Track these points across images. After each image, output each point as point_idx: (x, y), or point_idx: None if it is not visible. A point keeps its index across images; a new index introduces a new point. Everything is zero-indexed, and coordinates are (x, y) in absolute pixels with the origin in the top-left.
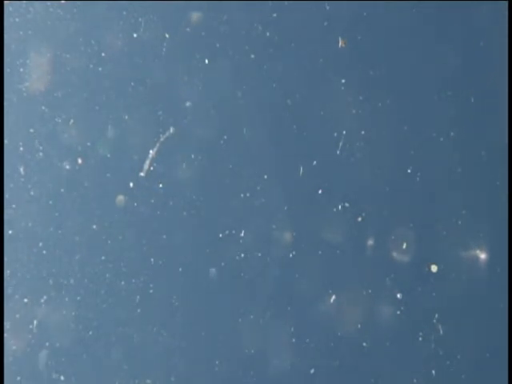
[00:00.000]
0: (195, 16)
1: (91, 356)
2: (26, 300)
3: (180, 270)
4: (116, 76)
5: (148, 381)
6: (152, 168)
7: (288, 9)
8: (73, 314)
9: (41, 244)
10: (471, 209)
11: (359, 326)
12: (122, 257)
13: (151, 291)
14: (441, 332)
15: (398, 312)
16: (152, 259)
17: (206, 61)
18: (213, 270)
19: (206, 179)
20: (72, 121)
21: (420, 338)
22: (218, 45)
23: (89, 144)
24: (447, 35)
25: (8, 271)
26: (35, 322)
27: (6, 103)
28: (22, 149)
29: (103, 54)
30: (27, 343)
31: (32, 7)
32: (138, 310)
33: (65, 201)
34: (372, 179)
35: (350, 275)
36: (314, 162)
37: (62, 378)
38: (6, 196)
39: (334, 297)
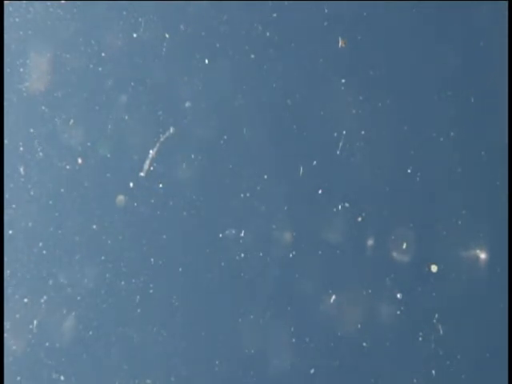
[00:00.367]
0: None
1: (91, 356)
2: (25, 300)
3: (180, 270)
4: (116, 76)
5: (148, 381)
6: (152, 168)
7: (288, 9)
8: (73, 314)
9: (41, 244)
10: (471, 209)
11: (359, 326)
12: (121, 257)
13: (151, 291)
14: (441, 332)
15: (398, 312)
16: (152, 259)
17: (206, 61)
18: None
19: (206, 179)
20: (72, 121)
21: (420, 338)
22: (217, 45)
23: (89, 144)
24: (447, 35)
25: (8, 271)
26: (35, 322)
27: (6, 103)
28: (21, 149)
29: (103, 54)
30: (27, 343)
31: (32, 7)
32: (138, 310)
33: (65, 201)
34: (372, 179)
35: (350, 275)
36: (314, 162)
37: (62, 378)
38: (6, 196)
39: (334, 297)
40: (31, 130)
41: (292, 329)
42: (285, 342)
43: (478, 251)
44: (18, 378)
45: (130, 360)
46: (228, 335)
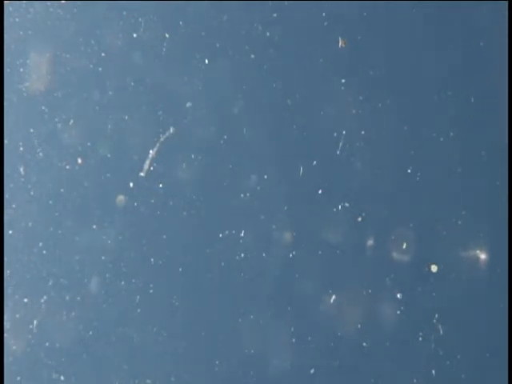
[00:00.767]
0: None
1: (91, 356)
2: (25, 300)
3: (180, 270)
4: (116, 76)
5: (148, 381)
6: (152, 168)
7: (288, 9)
8: (73, 314)
9: (41, 244)
10: (471, 209)
11: (359, 326)
12: (121, 257)
13: (151, 291)
14: (441, 332)
15: (398, 312)
16: (152, 259)
17: (206, 61)
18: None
19: (206, 179)
20: (72, 121)
21: (420, 338)
22: (217, 45)
23: (89, 144)
24: (447, 35)
25: (8, 271)
26: (35, 322)
27: (6, 103)
28: (21, 149)
29: (103, 54)
30: (27, 343)
31: (32, 7)
32: (138, 310)
33: (65, 201)
34: (372, 179)
35: (350, 275)
36: (314, 162)
37: (62, 378)
38: (6, 196)
39: (334, 297)
40: (31, 130)
41: (292, 329)
42: (285, 342)
43: (478, 251)
44: (18, 378)
45: (130, 360)
46: (228, 335)
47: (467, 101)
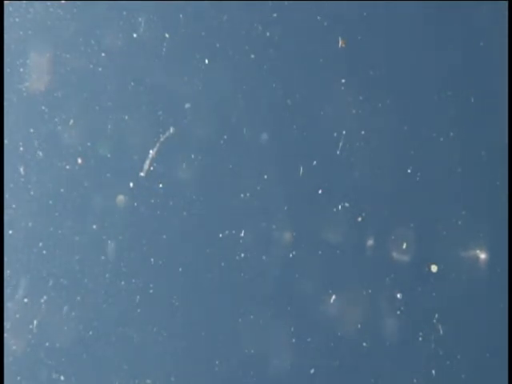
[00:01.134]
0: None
1: (91, 356)
2: (25, 300)
3: (180, 270)
4: (116, 76)
5: (148, 381)
6: (152, 168)
7: (288, 9)
8: (73, 314)
9: (41, 244)
10: (471, 209)
11: (359, 326)
12: (121, 257)
13: (151, 291)
14: (441, 332)
15: (398, 312)
16: (152, 259)
17: (206, 61)
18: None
19: (206, 179)
20: (72, 121)
21: (420, 338)
22: (217, 45)
23: (89, 144)
24: (447, 35)
25: (8, 271)
26: (35, 322)
27: (6, 103)
28: (21, 149)
29: (103, 54)
30: (27, 343)
31: (32, 7)
32: (138, 310)
33: (65, 201)
34: (372, 179)
35: (350, 275)
36: (314, 162)
37: (62, 378)
38: (6, 196)
39: (334, 297)
40: (31, 130)
41: (292, 329)
42: (285, 342)
43: (477, 251)
44: (18, 378)
45: (130, 360)
46: (228, 335)
47: (467, 101)
